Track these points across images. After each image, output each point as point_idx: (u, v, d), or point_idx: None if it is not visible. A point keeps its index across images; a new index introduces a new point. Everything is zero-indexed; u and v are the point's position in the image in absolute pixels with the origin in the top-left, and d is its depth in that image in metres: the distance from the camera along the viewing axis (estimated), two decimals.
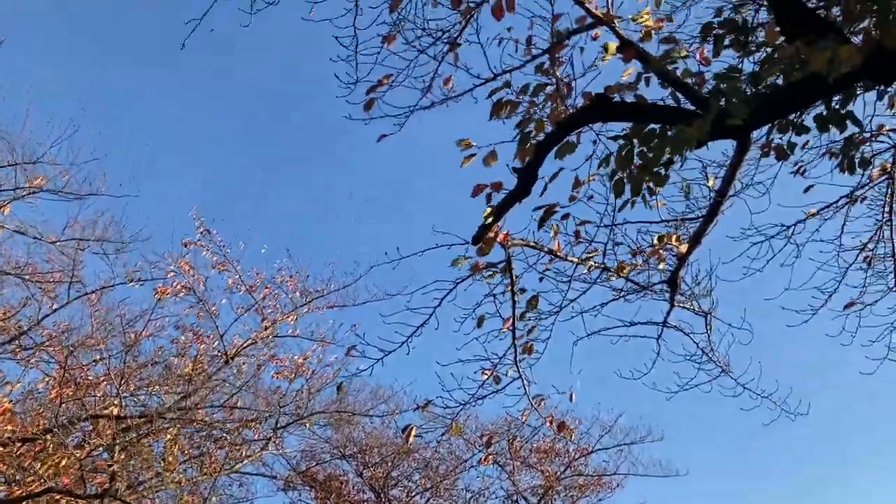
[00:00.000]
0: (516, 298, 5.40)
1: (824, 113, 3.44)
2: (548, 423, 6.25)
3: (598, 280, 5.55)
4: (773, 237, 5.62)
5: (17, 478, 9.67)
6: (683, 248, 4.91)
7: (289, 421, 12.38)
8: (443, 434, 6.08)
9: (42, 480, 8.61)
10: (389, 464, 16.65)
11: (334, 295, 12.21)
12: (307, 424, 13.23)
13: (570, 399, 6.16)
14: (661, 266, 5.13)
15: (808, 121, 3.89)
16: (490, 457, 14.66)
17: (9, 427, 8.34)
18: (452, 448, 16.66)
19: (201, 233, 11.45)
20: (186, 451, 11.62)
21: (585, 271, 5.30)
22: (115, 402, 9.72)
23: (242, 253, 12.34)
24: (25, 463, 8.58)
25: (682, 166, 4.21)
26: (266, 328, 11.91)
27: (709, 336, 5.70)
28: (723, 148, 5.31)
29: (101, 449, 10.06)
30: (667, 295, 5.55)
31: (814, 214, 5.59)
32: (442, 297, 5.50)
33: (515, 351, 5.67)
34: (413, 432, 5.93)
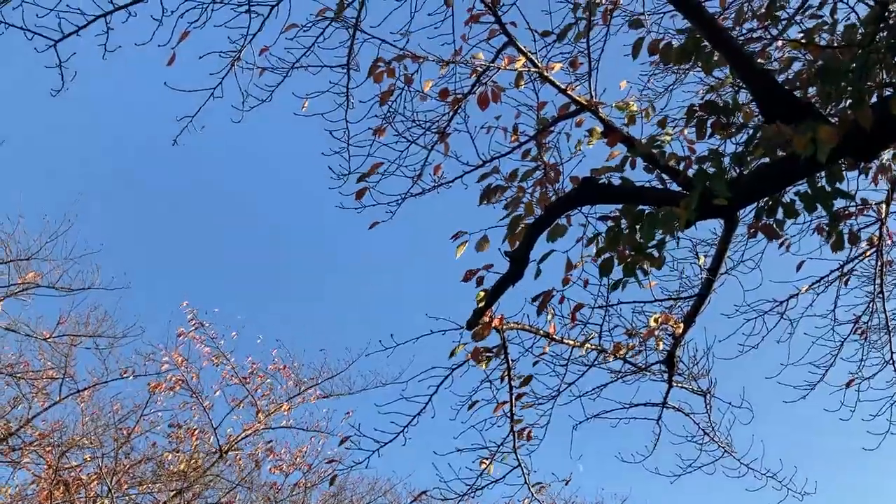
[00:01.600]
0: (513, 383, 5.35)
1: (809, 192, 3.49)
2: None
3: (596, 362, 5.51)
4: (766, 313, 5.62)
5: None
6: (678, 328, 4.90)
7: None
8: None
9: None
10: None
11: (328, 383, 12.09)
12: None
13: (566, 483, 6.04)
14: (658, 346, 5.11)
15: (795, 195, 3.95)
16: None
17: None
18: None
19: (194, 325, 11.40)
20: None
21: (582, 353, 5.27)
22: (106, 503, 9.46)
23: (236, 343, 12.26)
24: None
25: (676, 246, 4.25)
26: (260, 420, 11.72)
27: (709, 415, 5.63)
28: (711, 227, 5.39)
29: None
30: (665, 375, 5.50)
31: (806, 290, 5.61)
32: (438, 385, 5.44)
33: (514, 438, 5.59)
34: None
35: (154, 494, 10.90)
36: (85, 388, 10.90)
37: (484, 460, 5.50)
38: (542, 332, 5.22)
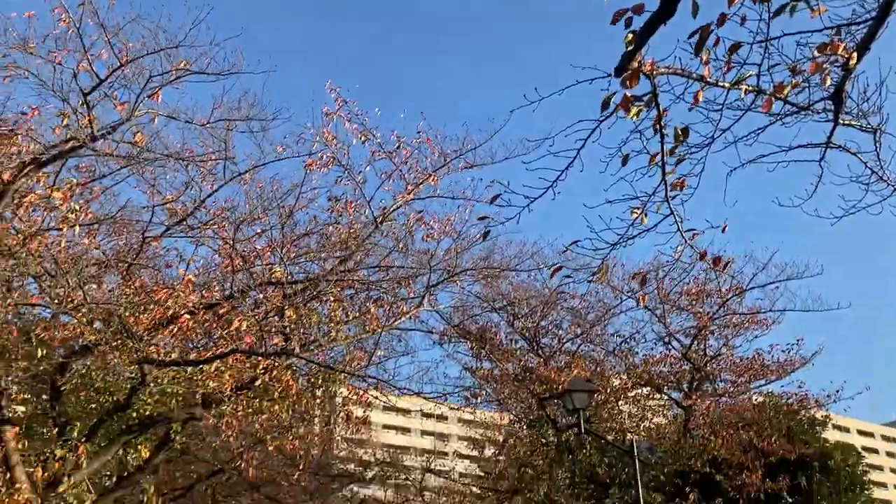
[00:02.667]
0: (664, 131, 5.21)
1: None
2: (701, 258, 6.14)
3: (753, 105, 5.24)
4: None
5: (204, 342, 10.72)
6: (850, 58, 4.51)
7: (440, 279, 12.84)
8: (593, 274, 6.10)
9: (227, 342, 9.50)
10: (538, 314, 17.10)
11: (472, 154, 12.22)
12: (457, 282, 13.69)
13: (723, 231, 6.00)
14: (825, 82, 4.76)
15: None
16: (645, 297, 14.69)
17: (192, 297, 9.18)
18: (600, 296, 16.85)
19: (339, 104, 11.63)
20: (349, 312, 12.32)
21: (740, 97, 5.01)
22: (280, 270, 10.40)
23: (380, 119, 12.49)
24: (212, 328, 9.48)
25: None
26: (409, 192, 12.18)
27: (878, 154, 5.31)
28: None
29: (272, 313, 10.89)
30: (830, 113, 5.17)
31: None
32: (586, 138, 5.39)
33: (666, 187, 5.53)
34: (559, 271, 6.02)
35: (320, 262, 11.88)
36: (246, 171, 11.61)
37: (635, 210, 5.52)
38: (695, 75, 4.98)
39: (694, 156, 5.52)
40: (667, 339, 16.96)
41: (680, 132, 5.19)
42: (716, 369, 16.86)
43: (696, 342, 16.56)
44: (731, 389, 16.95)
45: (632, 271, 16.20)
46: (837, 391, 16.62)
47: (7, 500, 9.21)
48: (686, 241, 5.60)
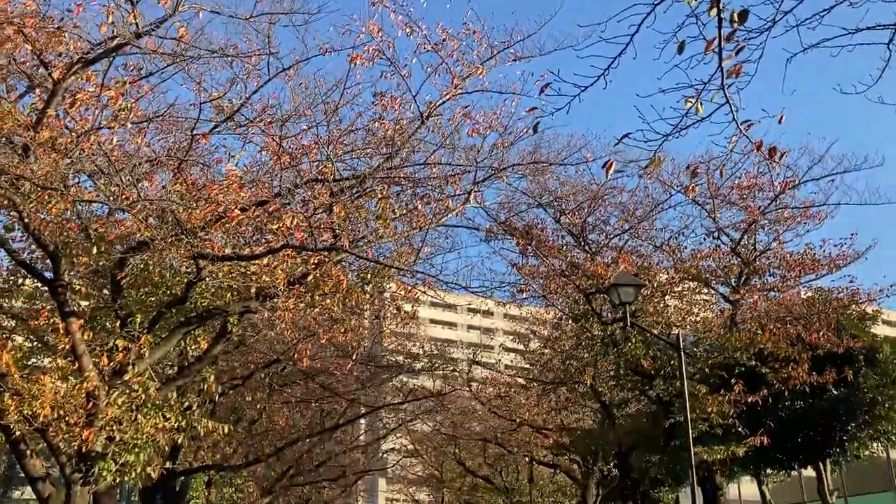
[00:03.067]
0: (722, 15, 4.99)
1: None
2: (757, 149, 5.98)
3: None
4: None
5: (256, 238, 10.94)
6: None
7: (486, 175, 12.77)
8: (645, 167, 6.02)
9: (278, 238, 9.70)
10: (586, 210, 17.00)
11: (520, 45, 11.90)
12: (504, 177, 13.60)
13: (780, 121, 5.82)
14: None
15: None
16: (695, 188, 14.44)
17: (242, 194, 9.33)
18: (649, 191, 16.64)
19: None
20: (396, 209, 12.40)
21: None
22: (328, 166, 10.46)
23: (426, 11, 12.17)
24: (263, 224, 9.66)
25: None
26: (456, 86, 11.98)
27: None
28: None
29: (320, 210, 11.02)
30: None
31: None
32: (639, 23, 5.21)
33: (722, 75, 5.35)
34: (613, 166, 5.93)
35: (367, 159, 11.88)
36: (290, 66, 11.51)
37: (689, 99, 5.37)
38: None
39: (752, 41, 5.30)
40: (716, 234, 16.78)
41: (738, 15, 4.97)
42: (765, 264, 16.71)
43: (745, 237, 16.36)
44: (780, 284, 16.83)
45: (682, 166, 15.93)
46: (891, 286, 16.40)
47: (77, 387, 9.75)
48: (741, 131, 5.46)
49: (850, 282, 18.45)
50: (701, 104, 5.37)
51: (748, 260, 16.31)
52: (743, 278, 16.58)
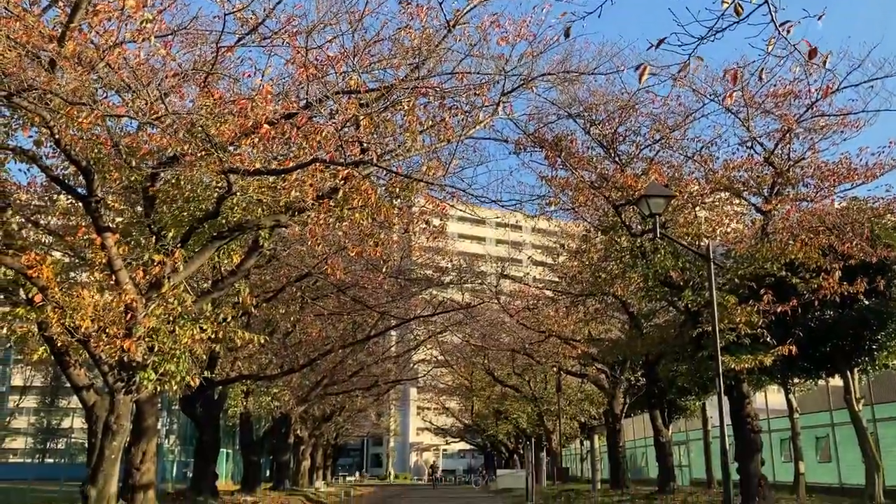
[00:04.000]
0: None
1: None
2: (797, 49, 5.78)
3: None
4: None
5: (284, 152, 10.95)
6: None
7: (515, 85, 12.56)
8: (679, 71, 5.87)
9: (307, 152, 9.70)
10: (616, 120, 16.69)
11: None
12: (533, 88, 13.36)
13: (819, 19, 5.61)
14: None
15: None
16: (732, 95, 14.07)
17: (270, 107, 9.29)
18: (681, 100, 16.25)
19: None
20: (423, 122, 12.29)
21: None
22: (355, 78, 10.34)
23: None
24: (292, 138, 9.65)
25: None
26: None
27: None
28: None
29: (348, 123, 10.97)
30: None
31: None
32: None
33: None
34: (647, 70, 5.79)
35: (393, 70, 11.70)
36: None
37: None
38: None
39: None
40: (749, 144, 16.42)
41: None
42: (799, 174, 16.40)
43: (779, 146, 16.00)
44: (814, 194, 16.55)
45: (715, 73, 15.48)
46: None
47: (115, 300, 10.01)
48: (780, 33, 5.27)
49: (887, 191, 18.09)
50: (741, 5, 5.18)
51: (782, 170, 16.00)
52: (776, 189, 16.31)
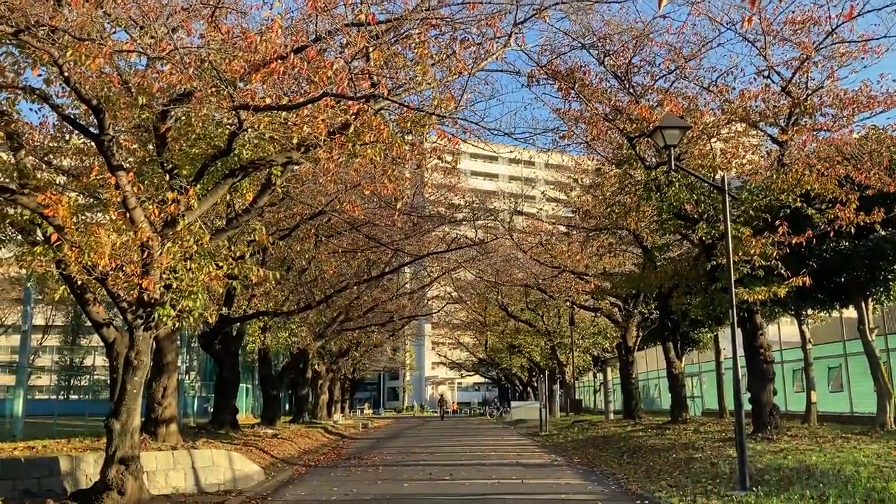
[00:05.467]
0: None
1: None
2: None
3: None
4: None
5: (295, 88, 10.85)
6: None
7: (527, 15, 12.32)
8: None
9: (317, 87, 9.60)
10: (631, 50, 16.40)
11: None
12: (545, 17, 13.11)
13: None
14: None
15: None
16: (751, 19, 13.72)
17: (278, 40, 9.16)
18: (697, 28, 15.92)
19: None
20: (434, 55, 12.12)
21: None
22: (363, 10, 10.17)
23: None
24: (302, 73, 9.54)
25: None
26: None
27: None
28: None
29: (358, 56, 10.83)
30: None
31: None
32: None
33: None
34: None
35: (402, 2, 11.53)
36: None
37: None
38: None
39: None
40: (766, 73, 16.10)
41: None
42: (817, 103, 16.09)
43: (797, 75, 15.68)
44: (832, 124, 16.27)
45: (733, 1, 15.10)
46: None
47: (131, 239, 10.10)
48: None
49: None
50: None
51: (799, 99, 15.70)
52: (793, 119, 16.05)
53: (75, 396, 57.31)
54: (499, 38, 12.35)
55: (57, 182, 13.86)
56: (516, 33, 12.23)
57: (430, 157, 19.72)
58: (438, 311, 46.92)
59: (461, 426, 43.68)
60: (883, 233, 15.51)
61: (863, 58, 15.40)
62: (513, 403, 55.40)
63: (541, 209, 31.97)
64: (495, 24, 12.17)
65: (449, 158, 21.41)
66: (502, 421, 50.22)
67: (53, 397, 57.61)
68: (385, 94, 10.50)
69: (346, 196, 17.62)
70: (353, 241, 23.54)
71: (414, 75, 11.57)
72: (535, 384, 53.43)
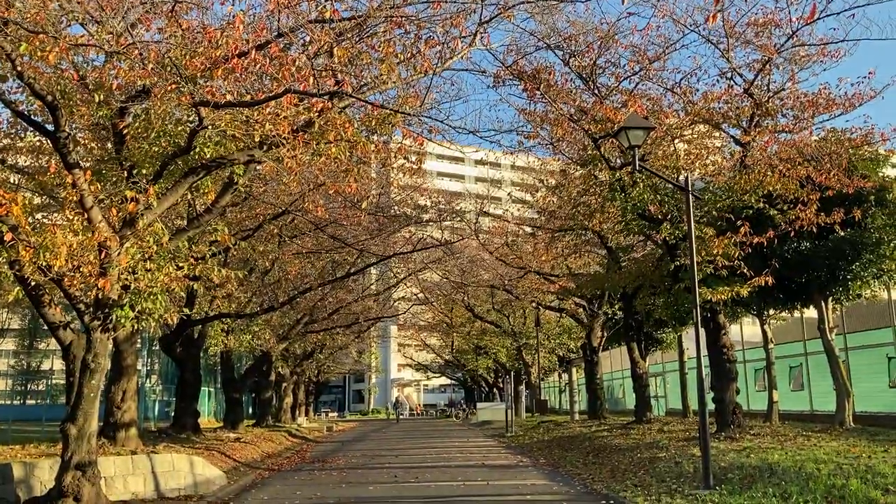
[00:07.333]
0: None
1: None
2: None
3: None
4: None
5: (257, 85, 10.67)
6: None
7: (492, 14, 12.28)
8: None
9: (280, 84, 9.44)
10: (596, 51, 16.44)
11: None
12: (511, 17, 13.09)
13: None
14: None
15: None
16: (716, 16, 13.82)
17: (239, 35, 8.98)
18: (661, 30, 16.03)
19: None
20: (399, 54, 12.02)
21: None
22: (326, 7, 10.03)
23: None
24: (264, 69, 9.36)
25: None
26: None
27: None
28: None
29: (322, 53, 10.69)
30: None
31: None
32: None
33: None
34: None
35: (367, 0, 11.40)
36: None
37: None
38: None
39: None
40: (729, 75, 16.26)
41: None
42: (778, 105, 16.30)
43: (759, 77, 15.86)
44: (793, 125, 16.49)
45: (696, 2, 15.22)
46: None
47: (88, 238, 9.84)
48: None
49: (865, 121, 18.10)
50: None
51: (761, 101, 15.89)
52: (755, 120, 16.23)
53: (32, 401, 56.06)
54: (464, 37, 12.29)
55: (11, 181, 13.49)
56: (482, 33, 12.17)
57: (396, 156, 19.60)
58: (405, 312, 46.76)
59: (426, 428, 43.56)
60: (842, 233, 15.74)
61: (822, 61, 15.65)
62: (479, 405, 55.42)
63: (507, 210, 31.99)
64: (460, 23, 12.10)
65: (414, 158, 21.31)
66: (468, 422, 50.20)
67: (9, 402, 56.26)
68: (349, 91, 10.38)
69: (310, 196, 17.42)
70: (317, 242, 23.31)
71: (379, 73, 11.46)
72: (502, 385, 53.52)
